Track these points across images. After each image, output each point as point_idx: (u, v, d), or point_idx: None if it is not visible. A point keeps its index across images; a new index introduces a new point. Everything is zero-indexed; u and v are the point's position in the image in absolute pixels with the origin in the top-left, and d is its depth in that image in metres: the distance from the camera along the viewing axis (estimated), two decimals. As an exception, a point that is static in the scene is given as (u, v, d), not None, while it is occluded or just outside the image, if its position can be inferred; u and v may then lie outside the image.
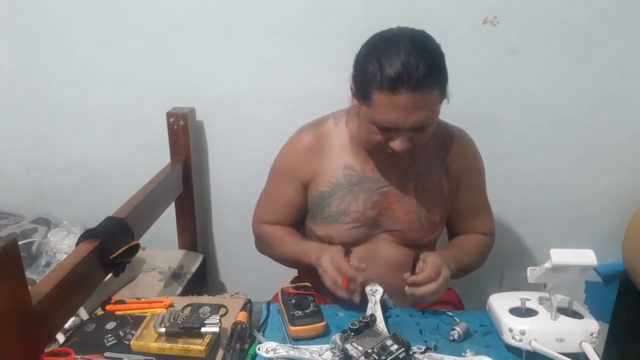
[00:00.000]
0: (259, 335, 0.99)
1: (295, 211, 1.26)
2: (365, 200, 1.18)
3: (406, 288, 1.07)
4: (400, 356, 0.91)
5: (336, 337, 0.95)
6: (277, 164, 1.28)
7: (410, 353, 0.93)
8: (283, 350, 0.95)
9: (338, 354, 0.93)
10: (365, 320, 0.98)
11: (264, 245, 1.32)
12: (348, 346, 0.92)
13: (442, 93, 1.04)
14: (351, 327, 0.97)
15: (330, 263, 1.07)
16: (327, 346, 0.96)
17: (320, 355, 0.94)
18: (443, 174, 1.20)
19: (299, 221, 1.30)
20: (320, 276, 1.08)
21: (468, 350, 0.98)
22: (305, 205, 1.25)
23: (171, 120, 1.55)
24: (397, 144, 1.06)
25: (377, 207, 1.19)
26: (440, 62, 1.03)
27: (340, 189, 1.19)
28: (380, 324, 1.01)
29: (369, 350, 0.91)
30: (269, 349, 0.95)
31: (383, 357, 0.89)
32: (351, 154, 1.19)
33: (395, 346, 0.92)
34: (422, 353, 0.96)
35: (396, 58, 0.98)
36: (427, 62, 0.98)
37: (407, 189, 1.18)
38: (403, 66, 0.97)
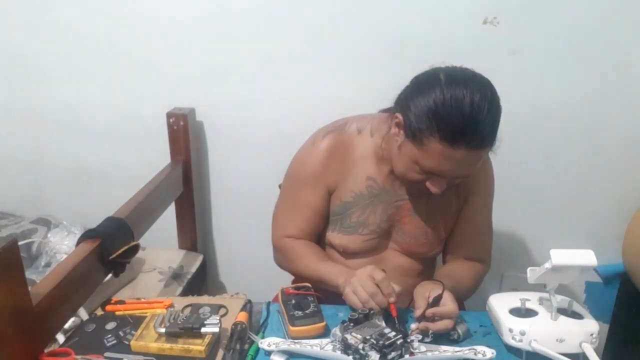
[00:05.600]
0: (254, 337, 0.99)
1: (320, 218, 1.22)
2: (382, 212, 1.18)
3: (418, 321, 1.01)
4: (398, 342, 0.91)
5: (336, 329, 0.97)
6: (296, 170, 1.23)
7: (408, 341, 0.94)
8: (284, 344, 0.96)
9: (338, 345, 0.94)
10: (364, 312, 0.99)
11: (285, 260, 1.26)
12: (347, 336, 0.93)
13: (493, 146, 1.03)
14: (350, 317, 0.98)
15: (361, 283, 1.02)
16: (327, 340, 0.97)
17: (321, 348, 0.95)
18: (454, 190, 1.19)
19: (322, 230, 1.25)
20: (347, 295, 1.04)
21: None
22: (328, 212, 1.22)
23: (171, 120, 1.55)
24: (435, 188, 1.06)
25: (391, 219, 1.19)
26: (499, 119, 1.00)
27: (362, 200, 1.18)
28: (379, 318, 1.01)
29: (367, 337, 0.92)
30: (270, 343, 0.96)
31: (381, 342, 0.90)
32: (374, 164, 1.17)
33: (393, 333, 0.93)
34: (419, 341, 0.96)
35: (464, 111, 0.94)
36: (492, 121, 0.97)
37: (419, 204, 1.18)
38: (470, 123, 0.95)
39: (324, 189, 1.19)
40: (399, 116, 1.04)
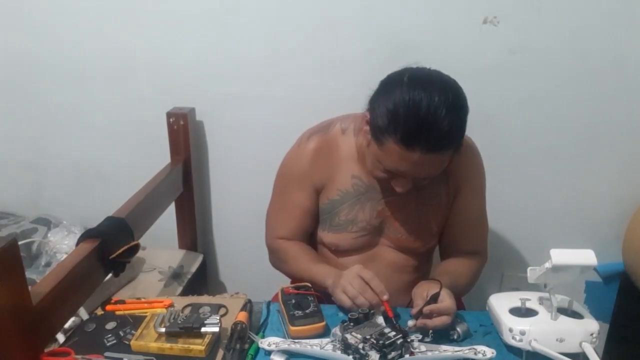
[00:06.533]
0: (254, 337, 0.99)
1: (310, 217, 1.23)
2: (371, 209, 1.19)
3: (416, 319, 1.01)
4: (398, 342, 0.92)
5: (336, 329, 0.97)
6: (285, 171, 1.25)
7: (409, 341, 0.94)
8: (284, 344, 0.96)
9: (338, 345, 0.94)
10: (364, 312, 0.99)
11: (278, 260, 1.28)
12: (347, 336, 0.93)
13: (457, 150, 1.03)
14: (350, 317, 0.98)
15: (350, 282, 1.03)
16: (327, 339, 0.98)
17: (321, 348, 0.95)
18: (443, 183, 1.19)
19: (313, 230, 1.26)
20: (337, 295, 1.06)
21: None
22: (318, 212, 1.23)
23: (171, 120, 1.55)
24: (399, 187, 1.07)
25: (381, 215, 1.19)
26: (462, 124, 0.99)
27: (349, 198, 1.18)
28: (379, 318, 1.01)
29: (367, 337, 0.92)
30: (271, 343, 0.97)
31: (381, 342, 0.90)
32: (358, 163, 1.18)
33: (393, 333, 0.93)
34: (419, 341, 0.96)
35: (420, 114, 0.94)
36: (450, 124, 0.95)
37: (408, 199, 1.18)
38: (424, 125, 0.94)
39: (311, 188, 1.21)
40: (367, 114, 1.05)
